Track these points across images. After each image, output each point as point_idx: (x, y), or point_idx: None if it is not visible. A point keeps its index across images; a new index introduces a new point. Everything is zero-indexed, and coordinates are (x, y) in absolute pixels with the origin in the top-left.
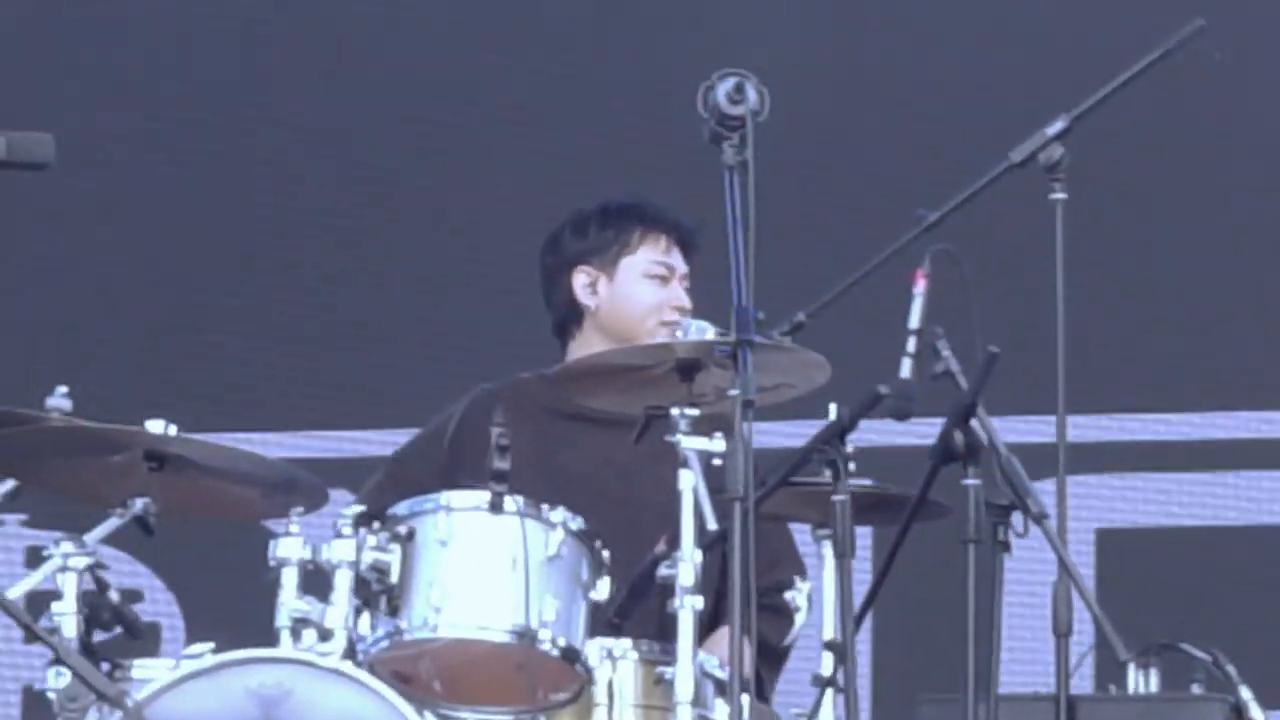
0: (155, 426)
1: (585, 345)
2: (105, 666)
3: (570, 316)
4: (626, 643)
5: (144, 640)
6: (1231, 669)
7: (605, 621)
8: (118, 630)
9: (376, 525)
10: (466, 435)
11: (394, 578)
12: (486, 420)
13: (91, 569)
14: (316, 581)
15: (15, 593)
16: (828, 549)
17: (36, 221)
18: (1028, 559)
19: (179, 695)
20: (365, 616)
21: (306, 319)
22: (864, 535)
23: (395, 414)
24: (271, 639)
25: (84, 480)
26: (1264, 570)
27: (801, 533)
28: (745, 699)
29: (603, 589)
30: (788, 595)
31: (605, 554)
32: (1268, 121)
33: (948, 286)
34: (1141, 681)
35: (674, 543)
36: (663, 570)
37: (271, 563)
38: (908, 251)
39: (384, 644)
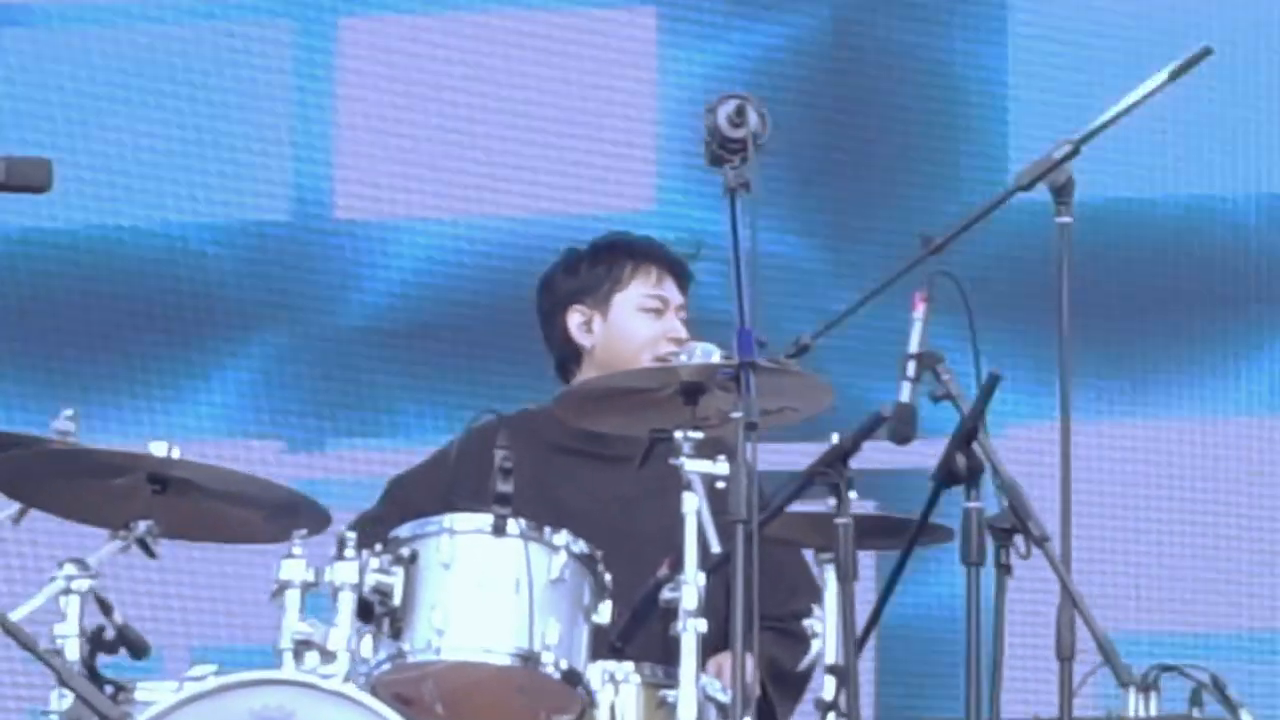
0: (158, 449)
1: None
2: (108, 689)
3: (569, 356)
4: (629, 666)
5: (147, 661)
6: (1233, 691)
7: (608, 645)
8: (121, 652)
9: (379, 548)
10: (469, 460)
11: (397, 600)
12: (490, 446)
13: (94, 591)
14: (319, 604)
15: (19, 615)
16: (830, 573)
17: (37, 244)
18: (1030, 581)
19: (182, 717)
20: (368, 639)
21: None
22: (867, 558)
23: (397, 437)
24: (274, 661)
25: (87, 502)
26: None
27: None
28: None
29: (605, 612)
30: (805, 622)
31: (608, 577)
32: (1268, 131)
33: (950, 307)
34: (1143, 705)
35: (676, 566)
36: (665, 594)
37: (274, 585)
38: (913, 274)
39: (386, 666)
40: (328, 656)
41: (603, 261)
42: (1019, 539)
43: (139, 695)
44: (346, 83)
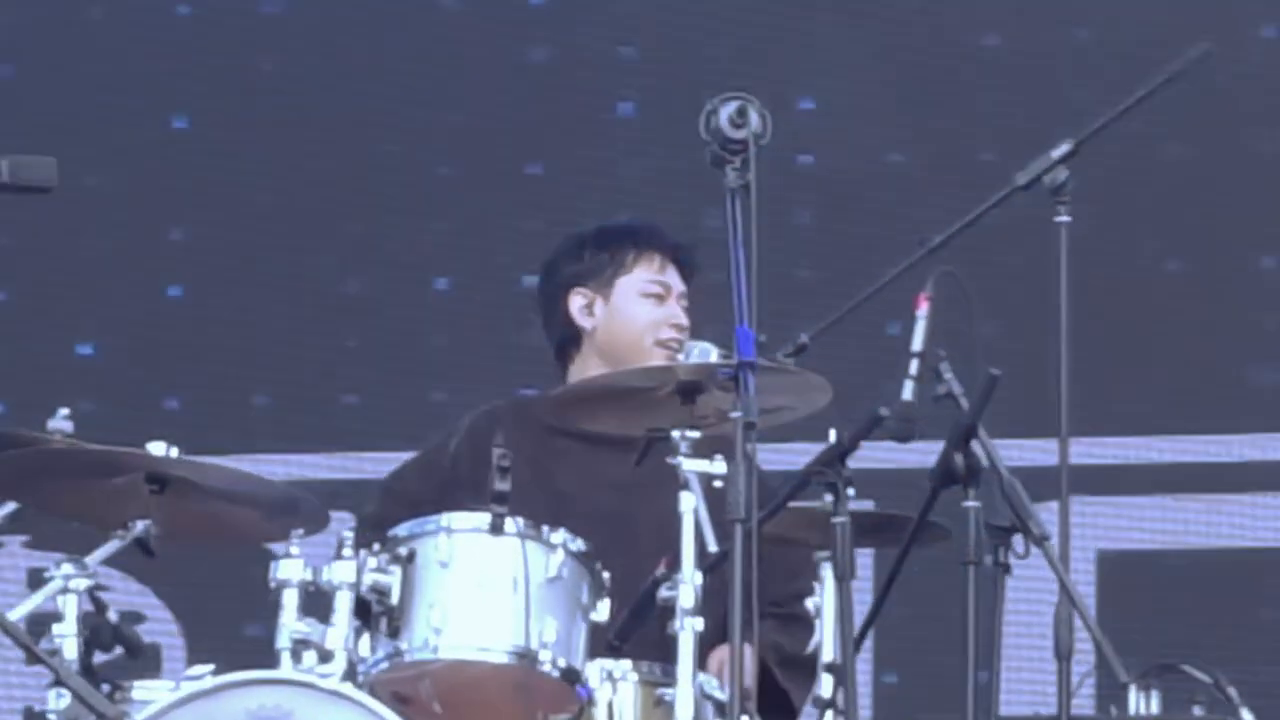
0: (157, 449)
1: (584, 367)
2: (106, 688)
3: (568, 339)
4: (626, 664)
5: (145, 661)
6: (1233, 691)
7: (605, 643)
8: (118, 651)
9: (377, 547)
10: (467, 455)
11: (394, 599)
12: (488, 441)
13: (92, 590)
14: (317, 603)
15: (16, 614)
16: (828, 571)
17: (38, 239)
18: (1029, 580)
19: (179, 717)
20: (365, 638)
21: (307, 338)
22: (864, 557)
23: (394, 436)
24: (272, 660)
25: (85, 502)
26: (1266, 592)
27: None
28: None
29: (603, 610)
30: (808, 603)
31: (605, 576)
32: (1269, 141)
33: (950, 308)
34: (1143, 704)
35: (674, 565)
36: (663, 592)
37: (272, 584)
38: (912, 273)
39: (384, 665)
40: (325, 656)
41: (606, 246)
42: (1018, 539)
43: (136, 694)
44: None
